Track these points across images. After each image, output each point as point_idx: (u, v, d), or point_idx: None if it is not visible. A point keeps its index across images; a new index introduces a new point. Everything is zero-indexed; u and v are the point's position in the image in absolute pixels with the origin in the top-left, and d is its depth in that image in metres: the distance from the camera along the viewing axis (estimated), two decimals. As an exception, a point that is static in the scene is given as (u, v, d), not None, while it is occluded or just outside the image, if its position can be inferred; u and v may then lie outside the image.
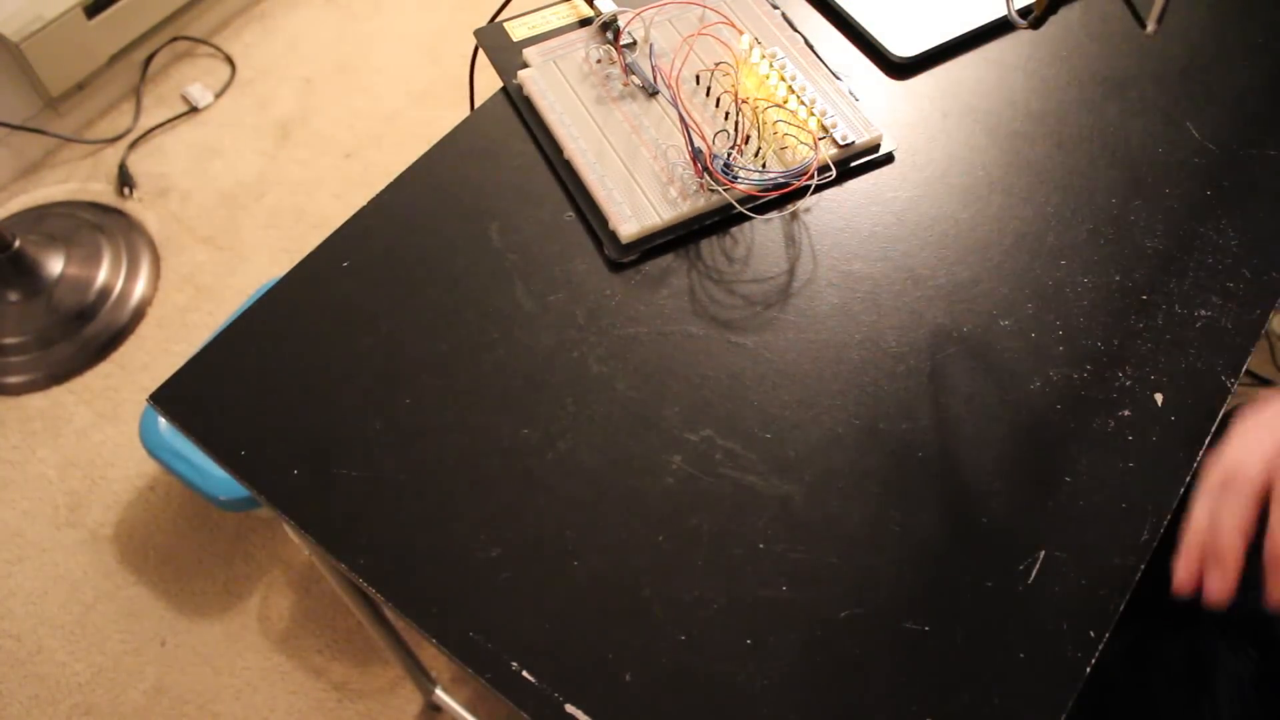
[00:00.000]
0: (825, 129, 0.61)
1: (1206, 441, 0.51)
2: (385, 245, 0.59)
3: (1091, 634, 0.46)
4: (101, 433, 1.31)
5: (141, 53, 1.61)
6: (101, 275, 1.42)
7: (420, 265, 0.58)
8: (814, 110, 0.62)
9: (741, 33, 0.66)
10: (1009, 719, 0.44)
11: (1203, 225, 0.60)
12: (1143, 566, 0.47)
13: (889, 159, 0.63)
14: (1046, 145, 0.64)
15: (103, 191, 1.53)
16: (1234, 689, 0.57)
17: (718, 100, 0.63)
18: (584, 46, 0.66)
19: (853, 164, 0.62)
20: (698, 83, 0.64)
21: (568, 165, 0.61)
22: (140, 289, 1.43)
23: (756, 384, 0.54)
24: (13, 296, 1.40)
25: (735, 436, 0.52)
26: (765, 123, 0.61)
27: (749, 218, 0.59)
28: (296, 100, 1.63)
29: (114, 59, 1.55)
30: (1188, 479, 0.50)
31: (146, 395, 0.54)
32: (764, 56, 0.64)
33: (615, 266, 0.58)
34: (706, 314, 0.56)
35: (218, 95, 1.64)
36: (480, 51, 0.69)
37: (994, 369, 0.54)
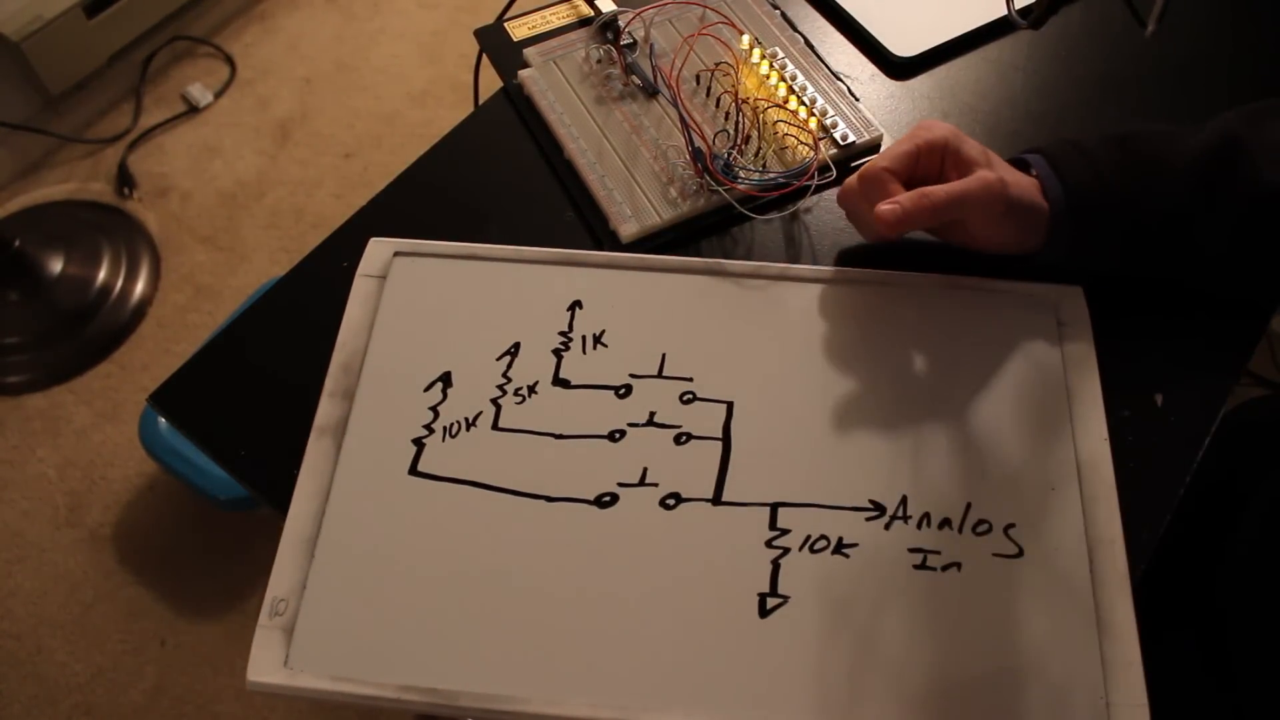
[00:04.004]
0: (825, 129, 0.61)
1: (1206, 442, 0.51)
2: (385, 245, 0.59)
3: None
4: (101, 433, 1.31)
5: (141, 53, 1.61)
6: (101, 275, 1.42)
7: (420, 265, 0.58)
8: (814, 110, 0.62)
9: (742, 33, 0.66)
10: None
11: (1203, 225, 0.59)
12: (1143, 566, 0.47)
13: (889, 159, 0.63)
14: (1046, 145, 0.64)
15: (103, 191, 1.53)
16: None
17: (718, 100, 0.63)
18: (584, 46, 0.66)
19: (853, 164, 0.62)
20: (698, 83, 0.64)
21: (568, 165, 0.61)
22: (140, 289, 1.43)
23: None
24: (13, 296, 1.40)
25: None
26: (765, 123, 0.61)
27: (749, 218, 0.59)
28: (296, 100, 1.63)
29: (114, 59, 1.55)
30: (1187, 479, 0.50)
31: (146, 395, 0.54)
32: (764, 56, 0.64)
33: (615, 266, 0.58)
34: (706, 314, 0.56)
35: (218, 95, 1.64)
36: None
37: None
